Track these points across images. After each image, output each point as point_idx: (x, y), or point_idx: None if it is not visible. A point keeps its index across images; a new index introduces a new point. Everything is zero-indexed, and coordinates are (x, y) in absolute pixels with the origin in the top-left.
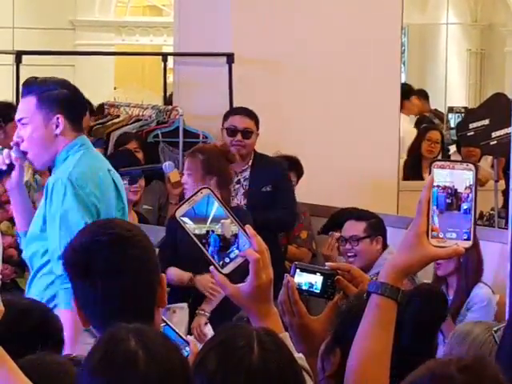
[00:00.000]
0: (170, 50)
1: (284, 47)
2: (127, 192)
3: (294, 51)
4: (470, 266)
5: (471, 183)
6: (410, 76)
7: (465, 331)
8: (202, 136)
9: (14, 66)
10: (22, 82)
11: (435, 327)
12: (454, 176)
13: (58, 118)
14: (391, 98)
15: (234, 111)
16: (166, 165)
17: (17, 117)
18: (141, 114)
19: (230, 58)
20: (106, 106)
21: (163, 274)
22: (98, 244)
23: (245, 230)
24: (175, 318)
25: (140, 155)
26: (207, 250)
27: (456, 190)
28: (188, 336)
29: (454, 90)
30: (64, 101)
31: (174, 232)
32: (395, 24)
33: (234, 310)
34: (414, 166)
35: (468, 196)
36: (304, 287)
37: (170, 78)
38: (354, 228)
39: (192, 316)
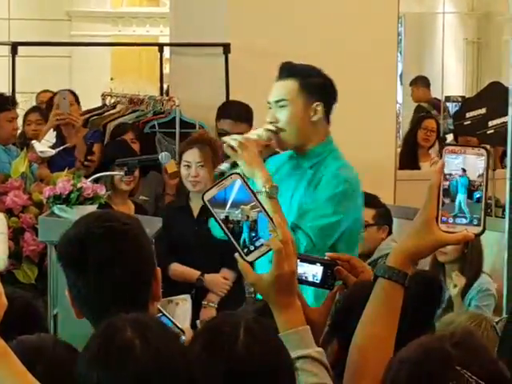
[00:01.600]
0: (167, 40)
1: (280, 37)
2: (120, 182)
3: (291, 41)
4: (474, 258)
5: (484, 167)
6: (407, 65)
7: (449, 320)
8: (198, 126)
9: (10, 58)
10: (17, 73)
11: (431, 313)
12: (467, 164)
13: (317, 105)
14: (388, 87)
15: (224, 114)
16: (163, 155)
17: (273, 98)
18: (137, 104)
19: (226, 48)
20: (102, 97)
21: (159, 268)
22: (92, 236)
23: (271, 219)
24: (178, 310)
25: (136, 146)
26: (233, 236)
27: (468, 177)
28: (186, 325)
29: (451, 79)
30: (325, 89)
31: (167, 221)
32: (392, 13)
33: (239, 300)
34: (410, 155)
35: (480, 185)
36: (304, 277)
37: (167, 69)
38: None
39: (195, 307)
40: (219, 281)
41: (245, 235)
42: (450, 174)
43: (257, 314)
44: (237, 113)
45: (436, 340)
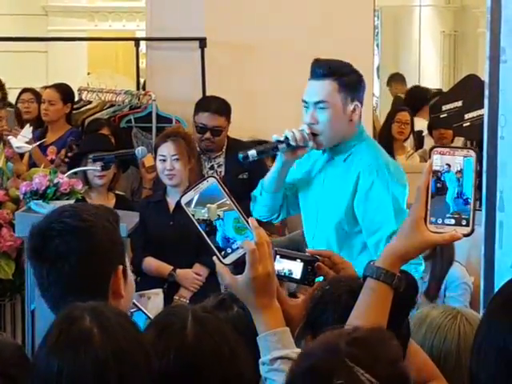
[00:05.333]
0: (144, 35)
1: (256, 32)
2: (93, 177)
3: (267, 35)
4: (445, 251)
5: (462, 167)
6: (384, 58)
7: (423, 315)
8: (174, 121)
9: None
10: None
11: (404, 313)
12: (444, 160)
13: (356, 105)
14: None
15: (203, 107)
16: (139, 150)
17: (312, 99)
18: (114, 99)
19: (202, 42)
20: (78, 92)
21: (120, 266)
22: (51, 231)
23: (247, 222)
24: (150, 305)
25: (112, 141)
26: (210, 239)
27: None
28: None
29: (427, 72)
30: (360, 86)
31: (143, 215)
32: (367, 6)
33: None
34: (386, 149)
35: (458, 180)
36: (283, 273)
37: (144, 64)
38: None
39: (167, 302)
40: (190, 276)
41: (219, 233)
42: (437, 171)
43: (215, 307)
44: (215, 106)
45: (334, 336)
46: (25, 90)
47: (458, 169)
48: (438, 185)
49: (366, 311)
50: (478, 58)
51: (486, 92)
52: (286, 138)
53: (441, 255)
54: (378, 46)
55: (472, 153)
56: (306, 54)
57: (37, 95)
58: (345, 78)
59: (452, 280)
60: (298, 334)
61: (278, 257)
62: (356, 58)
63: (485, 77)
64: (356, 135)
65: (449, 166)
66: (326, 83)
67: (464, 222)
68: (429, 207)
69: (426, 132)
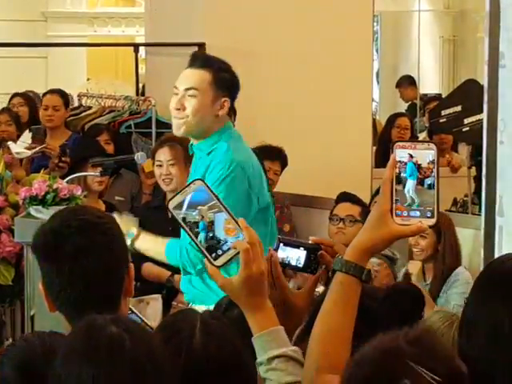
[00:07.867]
0: (143, 40)
1: (256, 37)
2: (93, 182)
3: (266, 41)
4: (447, 253)
5: (434, 158)
6: (384, 63)
7: (424, 319)
8: None
9: None
10: None
11: (410, 325)
12: (416, 152)
13: (225, 101)
14: (363, 85)
15: None
16: (139, 155)
17: (183, 85)
18: (114, 105)
19: (201, 47)
20: (78, 98)
21: (131, 264)
22: (67, 229)
23: (237, 223)
24: (149, 310)
25: (111, 147)
26: (199, 242)
27: (420, 164)
28: (153, 323)
29: (427, 77)
30: (233, 86)
31: (143, 220)
32: (366, 12)
33: None
34: (385, 154)
35: (432, 172)
36: (287, 261)
37: (143, 69)
38: (350, 209)
39: (165, 307)
40: None
41: (201, 235)
42: (400, 162)
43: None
44: None
45: (391, 339)
46: (15, 95)
47: (426, 160)
48: (402, 177)
49: (336, 304)
50: (477, 62)
51: (485, 97)
52: None
53: (442, 257)
54: (377, 51)
55: (433, 146)
56: (305, 60)
57: (27, 99)
58: (221, 73)
59: (455, 279)
60: (297, 336)
61: (281, 244)
62: (355, 63)
63: (484, 81)
64: (219, 131)
65: (411, 156)
66: (201, 73)
67: (429, 214)
68: (394, 200)
69: (422, 137)
